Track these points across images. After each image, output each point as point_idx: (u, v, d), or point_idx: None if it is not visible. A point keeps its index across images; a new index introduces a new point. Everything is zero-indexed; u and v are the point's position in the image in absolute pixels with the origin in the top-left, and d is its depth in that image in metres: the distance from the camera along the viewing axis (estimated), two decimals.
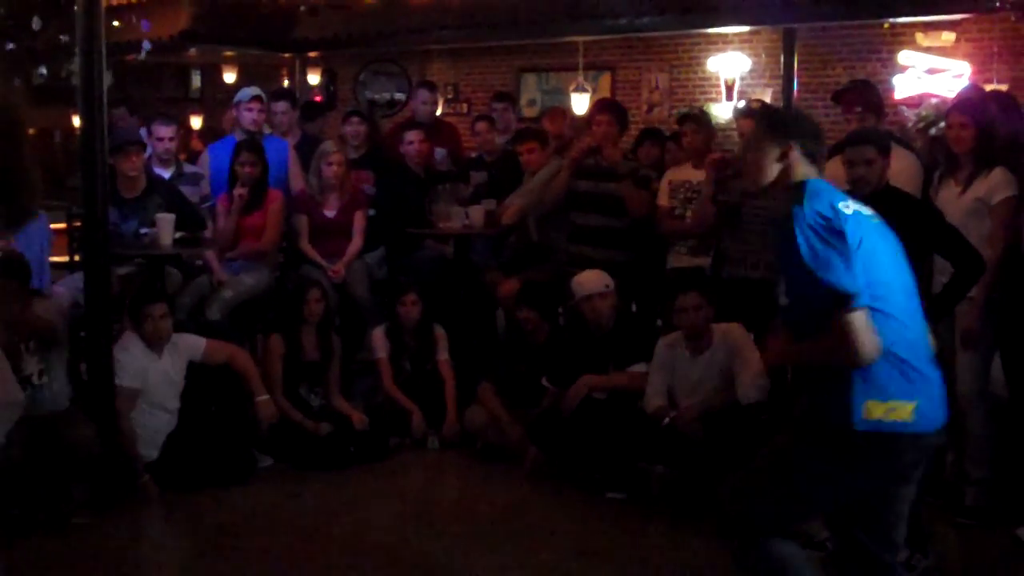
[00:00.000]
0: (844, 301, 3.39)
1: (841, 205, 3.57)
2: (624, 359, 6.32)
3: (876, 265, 3.54)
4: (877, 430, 3.45)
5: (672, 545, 5.48)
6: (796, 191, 3.59)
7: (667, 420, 5.91)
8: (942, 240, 5.06)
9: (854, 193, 5.04)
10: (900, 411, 3.48)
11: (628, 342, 6.36)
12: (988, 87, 8.14)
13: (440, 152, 8.66)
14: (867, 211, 3.69)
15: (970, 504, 5.65)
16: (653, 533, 5.63)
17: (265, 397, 6.47)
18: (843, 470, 3.51)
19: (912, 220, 4.96)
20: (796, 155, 3.66)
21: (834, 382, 3.46)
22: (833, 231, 3.46)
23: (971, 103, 5.99)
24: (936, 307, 5.13)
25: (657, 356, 6.11)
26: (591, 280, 6.44)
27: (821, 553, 5.18)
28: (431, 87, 9.17)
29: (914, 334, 3.59)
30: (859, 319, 3.39)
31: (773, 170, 3.68)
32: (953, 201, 5.60)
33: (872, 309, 3.43)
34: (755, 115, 6.47)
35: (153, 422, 6.21)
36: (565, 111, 9.50)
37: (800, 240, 3.44)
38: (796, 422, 3.68)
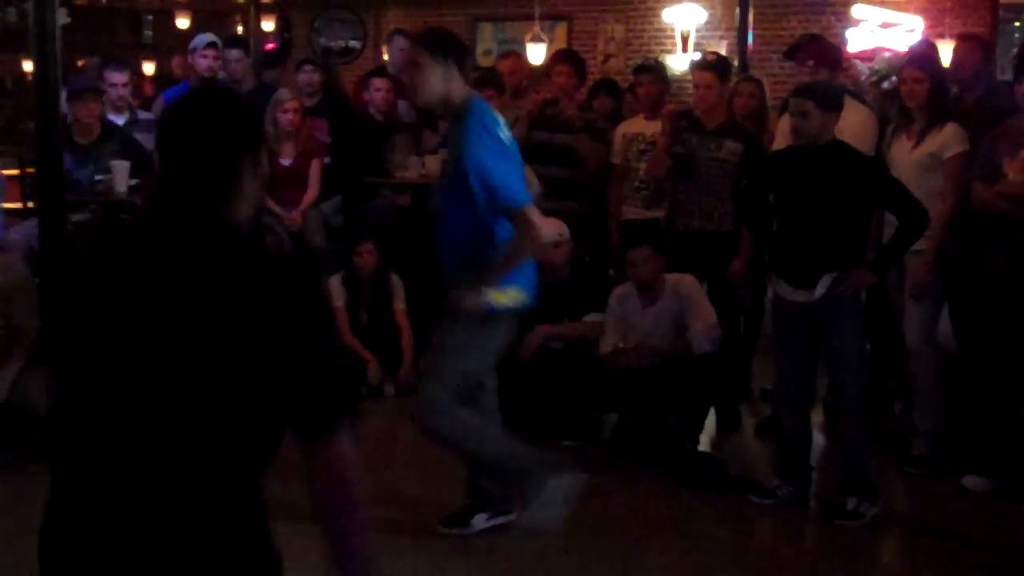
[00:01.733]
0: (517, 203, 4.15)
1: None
2: (578, 309, 6.38)
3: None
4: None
5: (625, 490, 5.57)
6: (463, 107, 4.24)
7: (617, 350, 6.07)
8: (886, 194, 5.13)
9: (796, 144, 5.14)
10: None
11: (582, 292, 6.41)
12: (939, 42, 8.21)
13: (403, 104, 8.62)
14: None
15: (917, 454, 5.77)
16: (607, 480, 5.70)
17: None
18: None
19: (857, 175, 5.04)
20: (455, 73, 4.25)
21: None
22: (502, 144, 4.23)
23: (924, 57, 6.05)
24: (881, 260, 5.23)
25: (610, 308, 6.18)
26: (547, 229, 6.45)
27: (772, 500, 5.30)
28: (407, 35, 9.04)
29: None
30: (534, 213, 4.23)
31: (438, 87, 4.26)
32: (905, 155, 5.67)
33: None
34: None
35: None
36: (520, 55, 9.42)
37: (474, 150, 4.15)
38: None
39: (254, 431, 2.07)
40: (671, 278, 6.07)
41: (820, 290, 5.04)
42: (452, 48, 4.35)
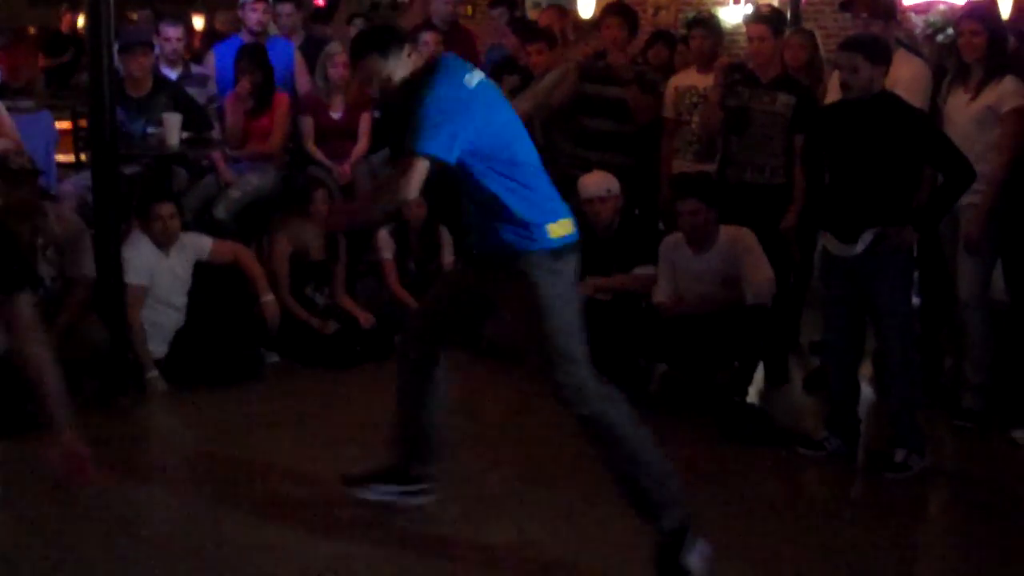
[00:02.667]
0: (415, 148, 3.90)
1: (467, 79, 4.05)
2: (627, 262, 6.38)
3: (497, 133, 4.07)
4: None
5: (671, 441, 5.56)
6: (433, 67, 4.09)
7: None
8: (932, 149, 5.07)
9: (846, 97, 5.09)
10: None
11: (631, 245, 6.40)
12: None
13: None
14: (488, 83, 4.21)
15: (967, 407, 5.74)
16: (653, 431, 5.70)
17: (270, 297, 6.54)
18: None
19: (904, 128, 4.99)
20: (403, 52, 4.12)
21: None
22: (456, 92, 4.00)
23: (982, 9, 5.95)
24: (924, 216, 5.18)
25: (661, 254, 6.18)
26: (595, 183, 6.46)
27: (819, 453, 5.30)
28: None
29: (540, 195, 4.17)
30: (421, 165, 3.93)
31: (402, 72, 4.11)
32: (962, 109, 5.60)
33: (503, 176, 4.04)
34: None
35: (161, 319, 6.29)
36: (562, 8, 9.35)
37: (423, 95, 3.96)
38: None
39: None
40: (727, 230, 6.04)
41: (861, 246, 5.02)
42: (385, 37, 4.19)
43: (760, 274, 5.88)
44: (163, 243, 6.25)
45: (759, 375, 6.26)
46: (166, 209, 6.25)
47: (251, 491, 4.86)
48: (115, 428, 5.63)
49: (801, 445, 5.39)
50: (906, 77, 5.68)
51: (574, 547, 4.38)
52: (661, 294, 6.13)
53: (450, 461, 4.73)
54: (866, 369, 5.84)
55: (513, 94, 8.01)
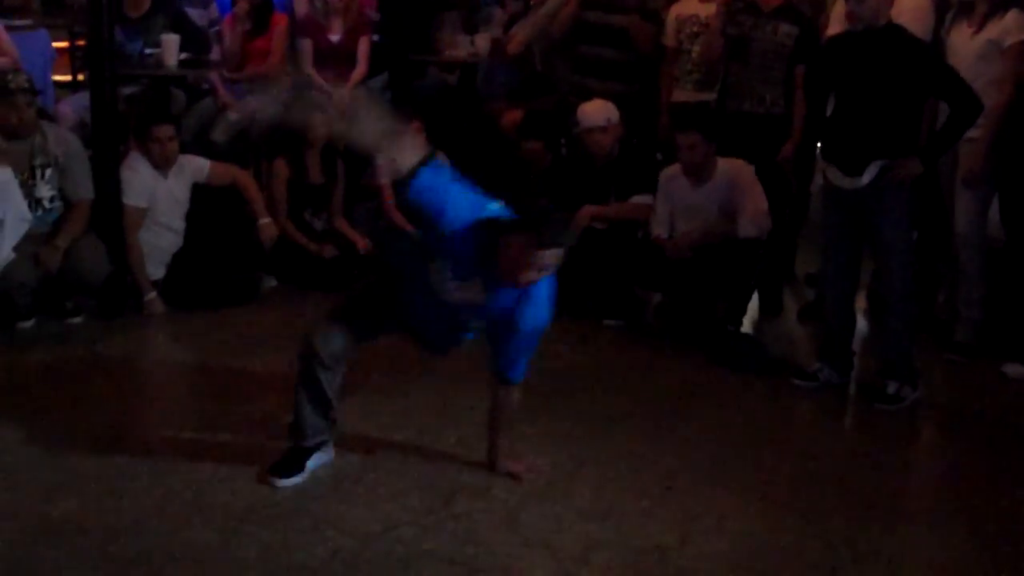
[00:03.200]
0: None
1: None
2: (625, 190, 6.38)
3: None
4: None
5: (665, 368, 5.64)
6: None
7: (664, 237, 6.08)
8: (939, 81, 5.04)
9: (852, 28, 5.06)
10: None
11: (629, 174, 6.40)
12: None
13: None
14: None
15: (959, 340, 5.80)
16: (647, 358, 5.77)
17: (267, 220, 6.54)
18: None
19: (911, 60, 4.97)
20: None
21: None
22: None
23: None
24: (930, 148, 5.18)
25: (659, 187, 6.18)
26: (595, 112, 6.44)
27: (813, 384, 5.36)
28: None
29: None
30: None
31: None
32: (965, 42, 5.58)
33: None
34: None
35: (159, 241, 6.30)
36: None
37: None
38: None
39: None
40: (724, 163, 6.04)
41: (867, 177, 5.02)
42: None
43: (756, 208, 5.89)
44: (161, 165, 6.23)
45: (754, 305, 6.30)
46: (165, 131, 6.23)
47: (247, 411, 4.90)
48: (112, 348, 5.67)
49: (795, 375, 5.44)
50: (909, 7, 5.64)
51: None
52: (658, 226, 6.15)
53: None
54: (859, 302, 5.86)
55: (515, 20, 8.00)
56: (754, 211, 5.89)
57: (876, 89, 4.98)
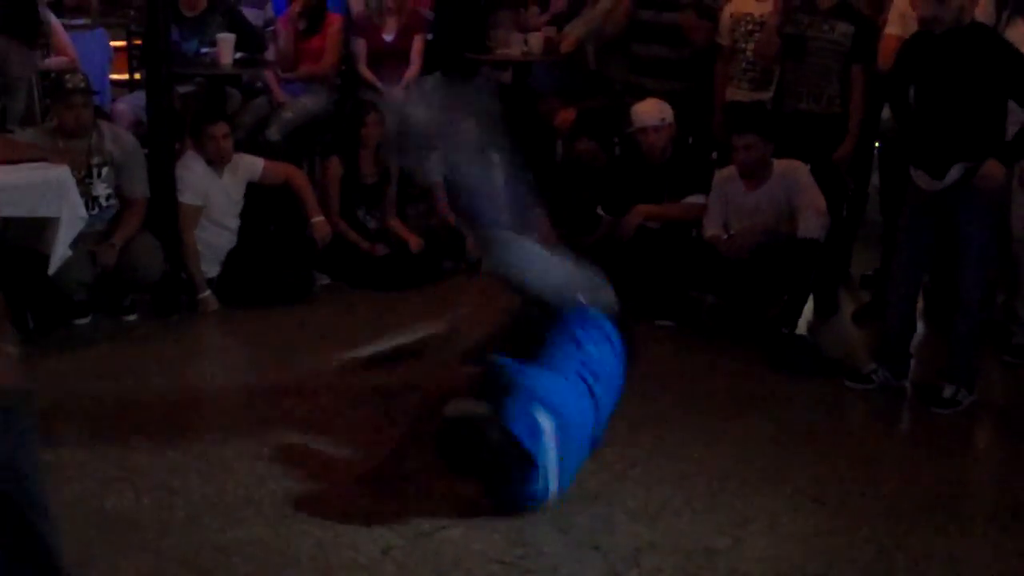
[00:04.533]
0: None
1: None
2: (679, 190, 6.35)
3: None
4: None
5: (718, 370, 5.60)
6: None
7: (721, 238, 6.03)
8: (1018, 83, 4.93)
9: (932, 28, 4.96)
10: None
11: (683, 173, 6.37)
12: None
13: None
14: None
15: (1016, 343, 5.71)
16: (700, 360, 5.73)
17: (320, 218, 6.56)
18: None
19: (996, 60, 4.87)
20: None
21: None
22: None
23: None
24: (1009, 151, 5.04)
25: (714, 188, 6.14)
26: (649, 111, 6.42)
27: (867, 385, 5.30)
28: None
29: None
30: None
31: None
32: (1022, 41, 5.49)
33: None
34: None
35: (214, 239, 6.35)
36: None
37: None
38: None
39: None
40: (781, 164, 5.99)
41: (950, 179, 4.95)
42: None
43: (815, 207, 5.82)
44: (216, 163, 6.28)
45: (809, 307, 6.24)
46: (220, 129, 6.27)
47: (300, 408, 4.93)
48: (167, 345, 5.73)
49: (849, 377, 5.39)
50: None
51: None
52: (711, 227, 6.11)
53: None
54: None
55: (559, 20, 7.99)
56: (814, 211, 5.82)
57: (960, 90, 4.90)
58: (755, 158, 5.93)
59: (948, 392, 5.12)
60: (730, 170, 6.12)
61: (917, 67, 5.09)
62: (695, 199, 6.27)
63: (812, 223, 5.81)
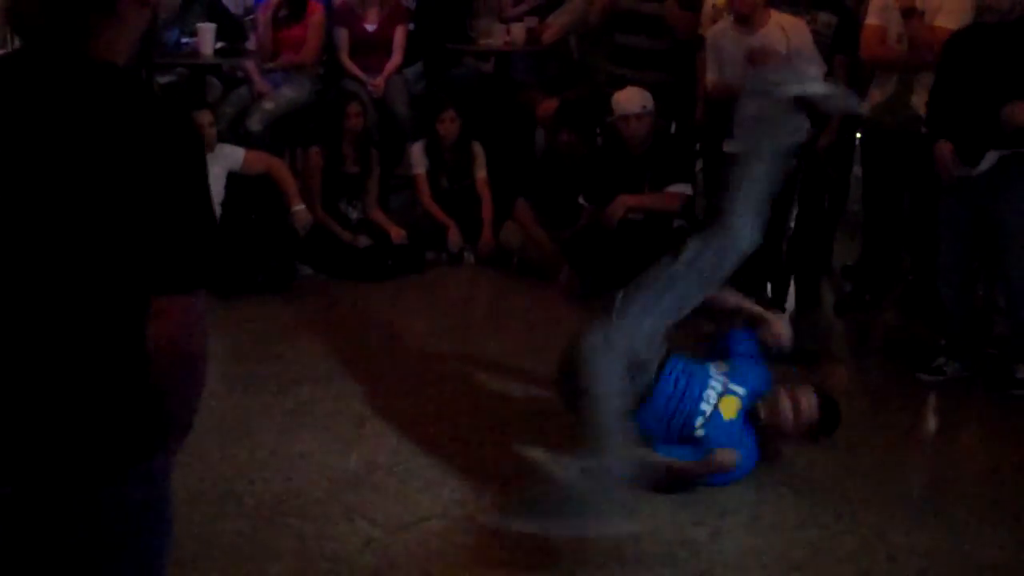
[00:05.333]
0: None
1: None
2: (660, 179, 6.35)
3: None
4: None
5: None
6: None
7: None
8: None
9: (982, 19, 4.99)
10: None
11: (665, 162, 6.37)
12: None
13: None
14: None
15: (999, 333, 5.72)
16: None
17: (301, 207, 6.55)
18: None
19: None
20: None
21: None
22: None
23: None
24: None
25: (708, 46, 6.13)
26: (630, 99, 6.41)
27: (941, 377, 5.33)
28: None
29: None
30: None
31: None
32: None
33: None
34: None
35: None
36: None
37: None
38: None
39: (117, 279, 1.87)
40: (783, 16, 5.89)
41: (985, 165, 4.99)
42: None
43: (809, 68, 5.72)
44: None
45: (790, 297, 6.25)
46: (205, 117, 6.25)
47: (282, 400, 4.92)
48: None
49: (921, 370, 5.39)
50: None
51: None
52: (711, 75, 6.08)
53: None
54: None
55: (545, 9, 7.98)
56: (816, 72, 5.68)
57: (1004, 80, 4.92)
58: (750, 4, 5.85)
59: (1020, 373, 5.18)
60: (723, 23, 6.09)
61: (966, 58, 5.11)
62: (678, 188, 6.26)
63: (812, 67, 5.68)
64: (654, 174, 6.34)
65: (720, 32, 6.05)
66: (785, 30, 5.83)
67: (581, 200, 6.62)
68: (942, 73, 5.30)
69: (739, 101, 4.96)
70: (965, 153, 5.04)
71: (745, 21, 5.90)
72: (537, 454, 4.42)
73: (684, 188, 6.24)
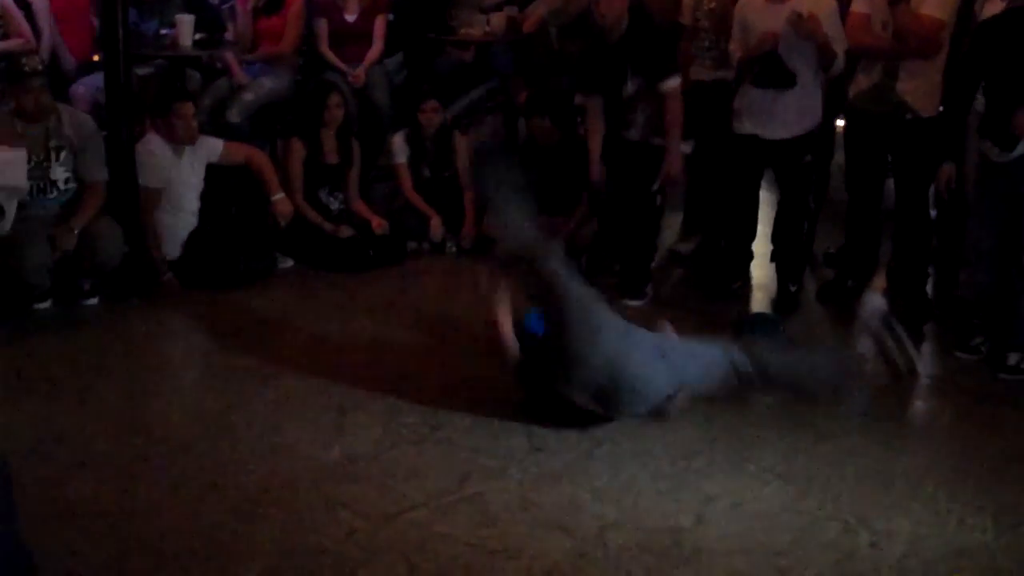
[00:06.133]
0: None
1: None
2: (642, 68, 6.04)
3: None
4: None
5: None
6: None
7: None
8: None
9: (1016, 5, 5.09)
10: None
11: (644, 49, 6.04)
12: None
13: None
14: None
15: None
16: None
17: (281, 195, 6.52)
18: None
19: None
20: None
21: None
22: None
23: None
24: None
25: (735, 20, 6.06)
26: None
27: (976, 356, 5.43)
28: None
29: None
30: None
31: None
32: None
33: None
34: None
35: (175, 222, 6.30)
36: None
37: None
38: None
39: None
40: None
41: (1020, 150, 5.04)
42: None
43: (835, 45, 5.75)
44: (186, 141, 6.23)
45: (772, 284, 6.26)
46: (188, 108, 6.23)
47: (264, 392, 4.90)
48: (128, 329, 5.67)
49: (959, 348, 5.44)
50: None
51: None
52: (737, 50, 6.03)
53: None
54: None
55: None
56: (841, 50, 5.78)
57: None
58: None
59: (1013, 359, 5.23)
60: None
61: (998, 43, 5.14)
62: (673, 83, 6.00)
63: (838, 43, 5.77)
64: (635, 62, 6.04)
65: (748, 4, 5.99)
66: (814, 4, 5.78)
67: (578, 99, 6.46)
68: (973, 57, 5.32)
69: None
70: (1001, 139, 5.08)
71: None
72: (522, 442, 4.45)
73: (675, 81, 6.00)
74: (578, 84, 6.51)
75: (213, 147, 6.42)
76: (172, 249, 6.26)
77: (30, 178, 5.63)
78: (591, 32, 6.35)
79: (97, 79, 6.68)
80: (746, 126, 5.99)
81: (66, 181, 5.81)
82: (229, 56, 7.44)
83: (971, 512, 4.03)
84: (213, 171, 6.45)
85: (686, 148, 6.18)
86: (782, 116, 5.89)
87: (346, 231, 6.73)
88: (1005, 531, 3.92)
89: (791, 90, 5.83)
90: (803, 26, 5.67)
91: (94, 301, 5.93)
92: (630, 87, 6.07)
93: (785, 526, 3.90)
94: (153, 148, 6.18)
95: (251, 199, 6.63)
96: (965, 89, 5.36)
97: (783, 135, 5.91)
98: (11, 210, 5.53)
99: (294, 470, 4.19)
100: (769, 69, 5.84)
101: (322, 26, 7.64)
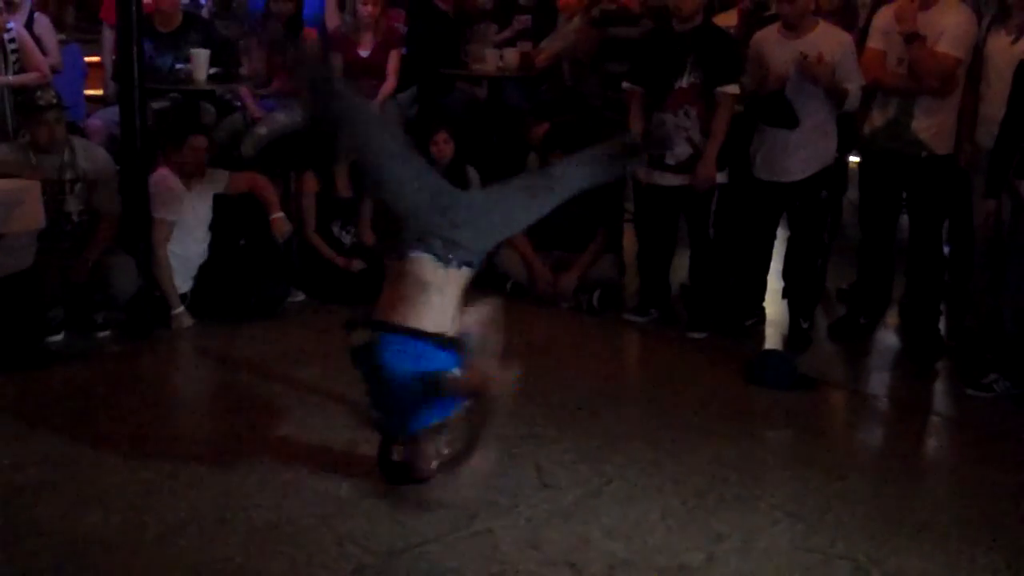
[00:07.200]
0: None
1: None
2: (705, 65, 6.05)
3: None
4: None
5: (694, 383, 5.59)
6: None
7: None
8: None
9: None
10: None
11: (716, 45, 6.12)
12: None
13: None
14: None
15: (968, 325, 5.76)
16: (675, 374, 5.73)
17: (280, 214, 6.50)
18: None
19: None
20: None
21: None
22: None
23: None
24: None
25: (751, 51, 6.06)
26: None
27: (989, 394, 5.39)
28: None
29: None
30: None
31: None
32: (1003, 51, 5.53)
33: None
34: None
35: (186, 253, 6.32)
36: None
37: None
38: None
39: None
40: (825, 26, 5.90)
41: None
42: None
43: (849, 82, 5.78)
44: (195, 174, 6.26)
45: (784, 320, 6.24)
46: (202, 141, 6.27)
47: (275, 427, 4.90)
48: (140, 362, 5.69)
49: (970, 386, 5.41)
50: (952, 24, 5.60)
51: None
52: (745, 85, 6.03)
53: None
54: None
55: (522, 35, 8.02)
56: (849, 86, 5.78)
57: None
58: (801, 7, 5.81)
59: (988, 379, 5.29)
60: (770, 27, 6.06)
61: None
62: (731, 89, 6.02)
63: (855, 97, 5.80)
64: (698, 56, 6.04)
65: (765, 37, 6.02)
66: (831, 40, 5.81)
67: (625, 84, 6.39)
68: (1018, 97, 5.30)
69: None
70: None
71: (793, 27, 5.87)
72: (532, 478, 4.43)
73: (733, 88, 6.01)
74: (629, 72, 6.45)
75: (220, 178, 6.46)
76: (183, 282, 6.28)
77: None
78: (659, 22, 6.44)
79: (113, 112, 6.73)
80: (763, 173, 6.00)
81: (79, 214, 5.84)
82: (244, 91, 7.48)
83: (983, 551, 3.99)
84: (221, 202, 6.47)
85: (722, 178, 6.16)
86: (795, 157, 5.89)
87: (358, 265, 6.74)
88: (1019, 571, 3.89)
89: (800, 129, 5.83)
90: (809, 69, 5.69)
91: (107, 334, 5.95)
92: (685, 80, 6.05)
93: (795, 565, 3.87)
94: (166, 181, 6.21)
95: (261, 232, 6.63)
96: (1020, 127, 5.30)
97: (799, 176, 5.91)
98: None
99: (303, 504, 4.18)
100: (774, 108, 5.85)
101: (336, 61, 7.67)
